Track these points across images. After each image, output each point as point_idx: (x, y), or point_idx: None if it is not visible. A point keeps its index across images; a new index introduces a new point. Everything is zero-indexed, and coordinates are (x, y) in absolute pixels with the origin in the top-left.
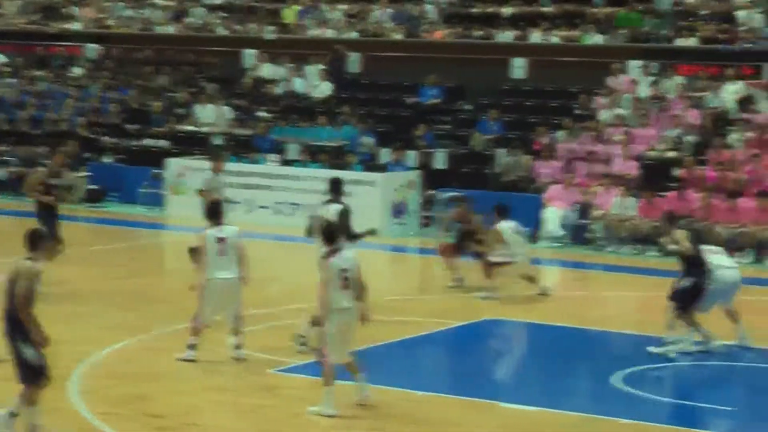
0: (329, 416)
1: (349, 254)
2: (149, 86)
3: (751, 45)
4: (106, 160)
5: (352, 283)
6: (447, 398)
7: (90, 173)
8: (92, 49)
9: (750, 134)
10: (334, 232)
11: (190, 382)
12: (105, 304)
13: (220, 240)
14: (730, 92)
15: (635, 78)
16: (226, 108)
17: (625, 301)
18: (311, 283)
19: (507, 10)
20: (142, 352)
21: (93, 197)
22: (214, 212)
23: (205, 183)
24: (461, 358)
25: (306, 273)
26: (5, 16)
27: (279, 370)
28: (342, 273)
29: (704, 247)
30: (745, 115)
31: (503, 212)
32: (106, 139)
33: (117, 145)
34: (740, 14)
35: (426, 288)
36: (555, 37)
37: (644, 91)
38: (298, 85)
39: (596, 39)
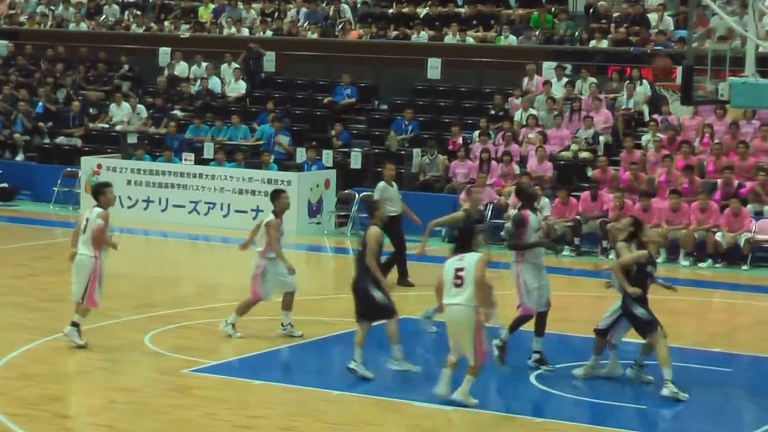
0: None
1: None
2: (62, 84)
3: (662, 47)
4: (18, 158)
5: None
6: (361, 398)
7: (0, 171)
8: (2, 46)
9: (661, 135)
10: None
11: (102, 383)
12: (9, 304)
13: (87, 219)
14: (642, 94)
15: (549, 79)
16: (140, 106)
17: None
18: (224, 282)
19: (422, 11)
20: (52, 353)
21: (4, 196)
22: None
23: None
24: (376, 358)
25: (219, 272)
26: None
27: (193, 371)
28: (457, 272)
29: None
30: (656, 117)
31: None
32: (18, 136)
33: (28, 142)
34: (652, 17)
35: (340, 287)
36: (470, 38)
37: (558, 92)
38: (214, 83)
39: (510, 40)
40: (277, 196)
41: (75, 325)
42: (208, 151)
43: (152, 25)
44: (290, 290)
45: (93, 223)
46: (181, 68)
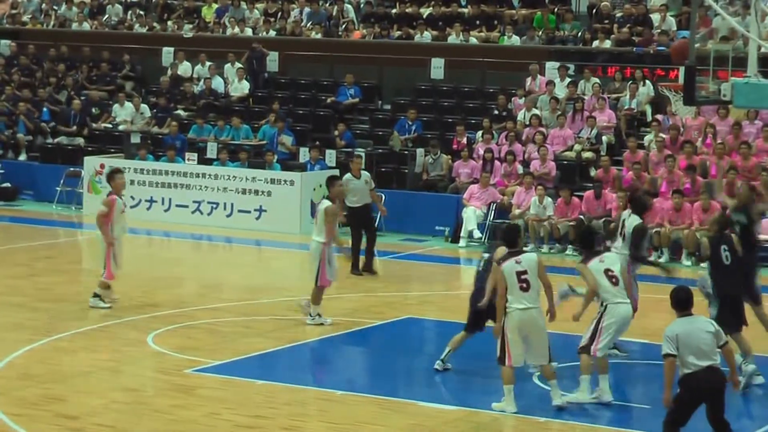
0: (511, 413)
1: (530, 256)
2: (64, 84)
3: (664, 48)
4: (21, 158)
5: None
6: (364, 397)
7: (2, 171)
8: (5, 46)
9: (664, 135)
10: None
11: (104, 383)
12: (10, 304)
13: None
14: (645, 94)
15: (552, 79)
16: (143, 106)
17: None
18: (227, 282)
19: (425, 11)
20: (53, 353)
21: (6, 195)
22: None
23: None
24: (379, 358)
25: (222, 272)
26: None
27: (195, 370)
28: (521, 275)
29: None
30: (659, 117)
31: None
32: (21, 136)
33: (31, 142)
34: (654, 17)
35: (342, 287)
36: (473, 38)
37: (561, 92)
38: (217, 83)
39: (513, 40)
40: (331, 182)
41: (96, 296)
42: (211, 150)
43: (155, 24)
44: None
45: (98, 208)
46: (184, 68)
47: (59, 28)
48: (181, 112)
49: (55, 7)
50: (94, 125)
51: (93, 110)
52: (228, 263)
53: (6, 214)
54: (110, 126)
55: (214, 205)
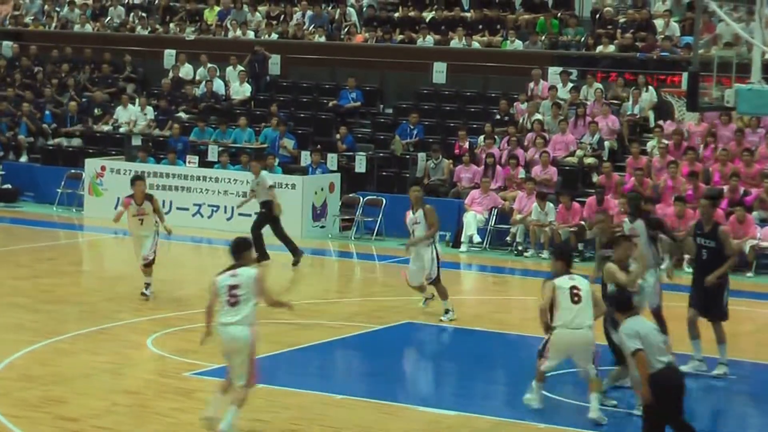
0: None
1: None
2: (65, 85)
3: (668, 53)
4: (22, 159)
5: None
6: (364, 402)
7: (3, 172)
8: (7, 47)
9: (666, 141)
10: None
11: (104, 385)
12: (11, 305)
13: None
14: (647, 100)
15: (554, 84)
16: (146, 108)
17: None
18: None
19: (428, 15)
20: (54, 355)
21: (7, 197)
22: None
23: None
24: (379, 362)
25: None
26: None
27: (195, 374)
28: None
29: None
30: (661, 123)
31: None
32: (22, 138)
33: (32, 144)
34: (658, 23)
35: (345, 291)
36: (475, 43)
37: (563, 97)
38: (218, 86)
39: (516, 45)
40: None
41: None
42: (213, 153)
43: (157, 27)
44: None
45: None
46: (185, 70)
47: (61, 29)
48: (182, 114)
49: (57, 9)
50: (95, 127)
51: (95, 111)
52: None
53: (7, 216)
54: (111, 128)
55: (215, 208)
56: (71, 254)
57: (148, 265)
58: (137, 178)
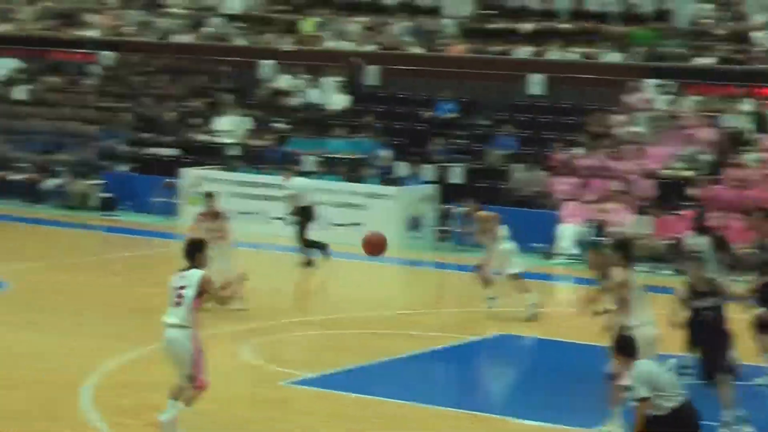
0: None
1: None
2: (164, 95)
3: (766, 66)
4: (120, 168)
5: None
6: (458, 413)
7: (104, 181)
8: (107, 57)
9: (765, 155)
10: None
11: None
12: (107, 313)
13: None
14: (745, 112)
15: (651, 96)
16: (242, 118)
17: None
18: (321, 295)
19: (525, 26)
20: (149, 363)
21: (106, 206)
22: None
23: None
24: (472, 373)
25: (317, 285)
26: (21, 22)
27: (289, 383)
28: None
29: None
30: (760, 135)
31: None
32: (120, 147)
33: (131, 153)
34: (756, 35)
35: (438, 302)
36: (572, 54)
37: (660, 109)
38: (314, 96)
39: (613, 57)
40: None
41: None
42: (309, 163)
43: (255, 37)
44: None
45: None
46: (282, 81)
47: (160, 40)
48: (279, 124)
49: (156, 20)
50: (192, 137)
51: (192, 122)
52: (325, 276)
53: (105, 224)
54: (208, 138)
55: None
56: (166, 263)
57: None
58: (207, 195)
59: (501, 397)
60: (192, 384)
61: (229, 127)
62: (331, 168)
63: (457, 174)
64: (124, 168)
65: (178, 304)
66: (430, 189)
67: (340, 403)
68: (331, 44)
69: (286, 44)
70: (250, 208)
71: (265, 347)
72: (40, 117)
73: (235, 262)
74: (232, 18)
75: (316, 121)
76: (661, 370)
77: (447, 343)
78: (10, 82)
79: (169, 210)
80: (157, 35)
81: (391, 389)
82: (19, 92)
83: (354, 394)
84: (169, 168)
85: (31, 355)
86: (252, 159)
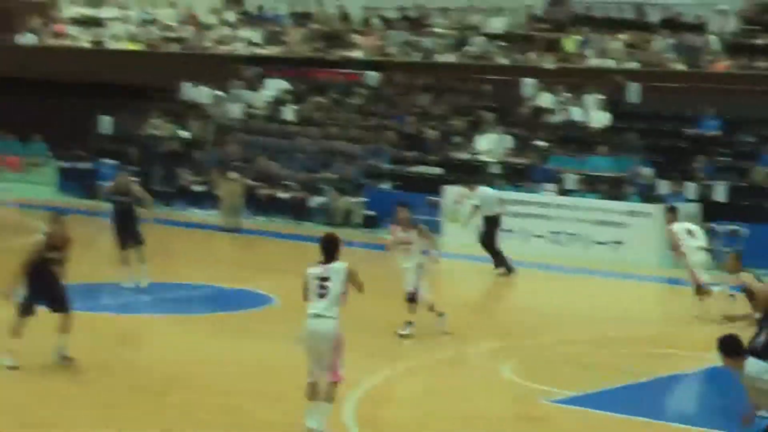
0: None
1: None
2: (426, 114)
3: None
4: (383, 186)
5: None
6: None
7: (366, 199)
8: (372, 77)
9: None
10: None
11: (457, 410)
12: (362, 330)
13: None
14: None
15: None
16: (504, 136)
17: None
18: (582, 313)
19: None
20: (409, 378)
21: (369, 223)
22: None
23: None
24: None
25: (577, 303)
26: (289, 44)
27: (550, 401)
28: None
29: None
30: None
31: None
32: (384, 165)
33: (394, 171)
34: None
35: (704, 321)
36: None
37: None
38: (576, 114)
39: None
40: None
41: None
42: (570, 181)
43: (517, 56)
44: None
45: None
46: (544, 99)
47: (423, 59)
48: (540, 142)
49: (420, 39)
50: (454, 155)
51: (454, 140)
52: (584, 295)
53: (366, 241)
54: (470, 156)
55: (571, 237)
56: (428, 280)
57: (411, 301)
58: (399, 204)
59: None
60: (329, 377)
61: (491, 145)
62: (592, 186)
63: (720, 192)
64: (386, 186)
65: (322, 295)
66: (692, 207)
67: (602, 423)
68: (593, 62)
69: (548, 62)
70: (511, 226)
71: (525, 365)
72: (307, 136)
73: (430, 278)
74: (495, 37)
75: (577, 139)
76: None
77: (714, 363)
78: (279, 102)
79: (431, 227)
80: (420, 55)
81: (658, 410)
82: (287, 112)
83: (619, 415)
84: (431, 186)
85: (292, 367)
86: (513, 177)
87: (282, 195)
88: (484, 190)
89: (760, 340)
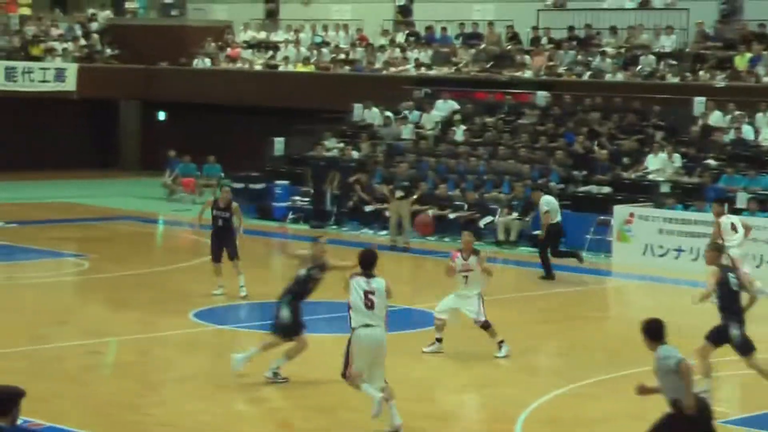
0: None
1: None
2: (595, 133)
3: None
4: None
5: None
6: None
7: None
8: (541, 97)
9: None
10: None
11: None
12: (533, 349)
13: None
14: None
15: None
16: (673, 155)
17: None
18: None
19: None
20: (578, 400)
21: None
22: None
23: None
24: None
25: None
26: (458, 65)
27: (723, 422)
28: None
29: None
30: None
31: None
32: (553, 185)
33: (563, 191)
34: None
35: None
36: None
37: None
38: (747, 132)
39: None
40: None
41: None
42: (741, 200)
43: (687, 74)
44: None
45: None
46: (715, 117)
47: (592, 79)
48: (711, 161)
49: (590, 59)
50: (624, 174)
51: (623, 160)
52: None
53: (532, 261)
54: (640, 175)
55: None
56: (598, 300)
57: (485, 327)
58: (464, 228)
59: None
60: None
61: (660, 164)
62: (763, 205)
63: None
64: None
65: (369, 307)
66: None
67: None
68: (765, 80)
69: (719, 81)
70: (680, 245)
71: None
72: (476, 156)
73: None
74: (665, 56)
75: (748, 158)
76: None
77: None
78: (448, 123)
79: (602, 247)
80: (589, 74)
81: None
82: (457, 133)
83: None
84: (601, 205)
85: (458, 386)
86: (683, 196)
87: (453, 215)
88: (547, 199)
89: None
